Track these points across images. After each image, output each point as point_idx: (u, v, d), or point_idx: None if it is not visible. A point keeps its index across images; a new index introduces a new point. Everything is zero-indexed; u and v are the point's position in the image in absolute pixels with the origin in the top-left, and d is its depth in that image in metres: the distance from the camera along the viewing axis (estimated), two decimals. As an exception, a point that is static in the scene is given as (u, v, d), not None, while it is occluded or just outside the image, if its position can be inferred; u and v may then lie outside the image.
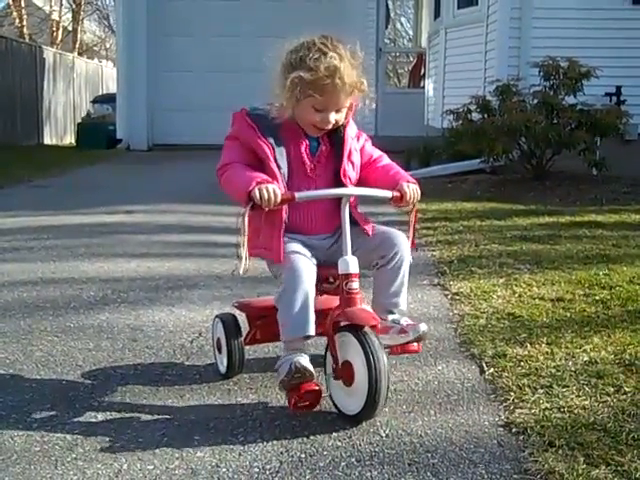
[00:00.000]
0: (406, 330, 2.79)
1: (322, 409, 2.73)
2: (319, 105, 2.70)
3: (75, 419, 2.65)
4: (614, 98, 9.13)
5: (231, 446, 2.47)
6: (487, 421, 2.65)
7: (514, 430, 2.56)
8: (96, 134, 16.24)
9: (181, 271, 4.83)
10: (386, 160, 2.96)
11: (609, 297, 4.09)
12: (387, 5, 16.03)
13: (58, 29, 32.73)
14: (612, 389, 2.85)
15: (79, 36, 32.85)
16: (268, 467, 2.34)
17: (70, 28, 33.34)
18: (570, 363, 3.12)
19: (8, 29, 30.06)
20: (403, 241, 2.82)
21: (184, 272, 4.80)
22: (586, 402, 2.74)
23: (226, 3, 14.40)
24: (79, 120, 19.69)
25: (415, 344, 2.82)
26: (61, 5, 33.68)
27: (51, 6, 33.83)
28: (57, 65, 20.60)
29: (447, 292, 4.32)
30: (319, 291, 2.79)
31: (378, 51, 14.67)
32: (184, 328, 3.67)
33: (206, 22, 14.13)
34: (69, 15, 33.49)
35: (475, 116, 8.84)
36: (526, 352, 3.25)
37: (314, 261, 2.74)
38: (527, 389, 2.86)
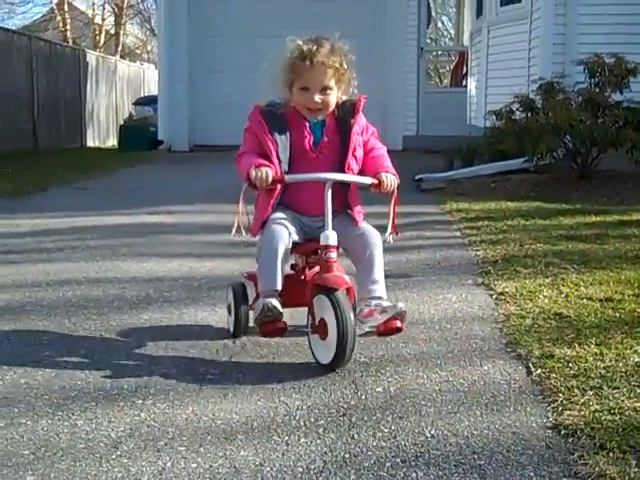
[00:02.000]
0: (386, 310, 3.10)
1: (365, 408, 2.71)
2: (302, 84, 3.15)
3: (119, 417, 2.65)
4: (663, 96, 8.94)
5: (275, 445, 2.45)
6: (535, 423, 2.59)
7: (563, 432, 2.50)
8: (138, 136, 16.38)
9: (223, 271, 4.83)
10: (380, 152, 3.32)
11: (659, 297, 4.00)
12: (428, 4, 15.95)
13: (101, 32, 33.18)
14: (664, 391, 2.78)
15: (121, 39, 33.28)
16: (312, 467, 2.31)
17: (112, 31, 33.75)
18: (620, 364, 3.05)
19: (52, 33, 30.52)
20: (376, 241, 3.22)
21: (226, 272, 4.79)
22: (637, 404, 2.66)
23: (267, 3, 14.41)
24: (121, 122, 19.89)
25: (398, 322, 3.11)
26: (104, 9, 34.14)
27: (94, 10, 34.28)
28: (100, 68, 20.83)
29: (492, 292, 4.25)
30: (307, 263, 3.32)
31: (419, 50, 14.60)
32: (227, 327, 3.65)
33: (247, 23, 14.16)
34: (111, 19, 33.92)
35: (518, 115, 8.73)
36: (574, 353, 3.18)
37: (292, 229, 3.18)
38: (576, 390, 2.79)
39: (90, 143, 19.72)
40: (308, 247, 3.24)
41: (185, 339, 3.50)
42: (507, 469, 2.28)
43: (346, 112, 3.25)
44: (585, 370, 2.99)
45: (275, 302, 3.09)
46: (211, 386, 2.94)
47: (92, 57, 20.61)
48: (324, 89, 3.16)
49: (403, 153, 13.79)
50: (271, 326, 3.13)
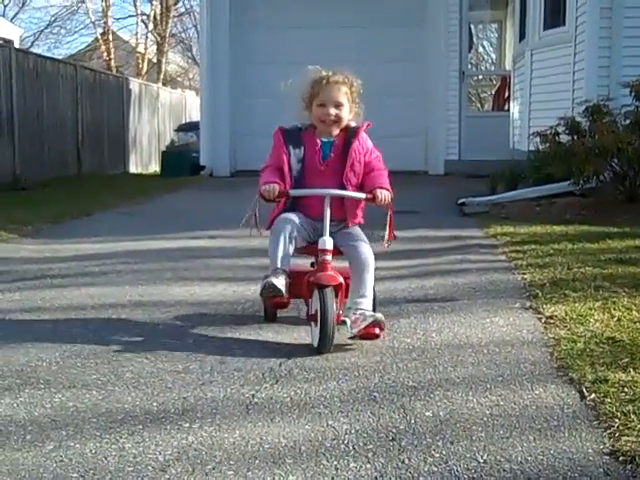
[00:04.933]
0: (366, 318, 3.61)
1: (415, 433, 2.66)
2: (320, 101, 3.84)
3: (166, 440, 2.64)
4: None
5: (323, 470, 2.42)
6: (591, 448, 2.53)
7: (621, 459, 2.44)
8: (180, 161, 16.52)
9: (267, 294, 4.79)
10: (379, 172, 3.90)
11: None
12: (470, 29, 15.93)
13: (144, 61, 33.65)
14: None
15: (163, 67, 33.69)
16: (363, 492, 2.27)
17: (155, 60, 34.22)
18: (678, 389, 2.96)
19: (97, 62, 31.04)
20: (367, 261, 3.73)
21: (270, 295, 4.76)
22: (698, 430, 2.58)
23: (309, 32, 14.47)
24: (163, 148, 20.07)
25: (376, 330, 3.64)
26: (146, 38, 34.65)
27: (137, 39, 34.80)
28: (142, 95, 21.10)
29: (540, 315, 4.18)
30: (316, 263, 3.81)
31: (461, 74, 14.55)
32: (273, 351, 3.63)
33: (287, 50, 14.20)
34: (154, 47, 34.39)
35: (564, 138, 8.63)
36: (629, 377, 3.10)
37: (297, 221, 3.79)
38: (633, 416, 2.72)
39: (132, 169, 19.91)
40: (314, 250, 3.79)
41: (231, 363, 3.48)
42: (564, 496, 2.23)
43: (350, 135, 3.90)
44: (641, 395, 2.91)
45: (275, 281, 3.66)
46: (258, 410, 2.91)
47: (135, 85, 20.86)
48: (337, 105, 3.83)
49: (445, 178, 13.75)
50: (273, 300, 3.89)
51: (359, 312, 3.65)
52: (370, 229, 4.00)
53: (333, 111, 3.82)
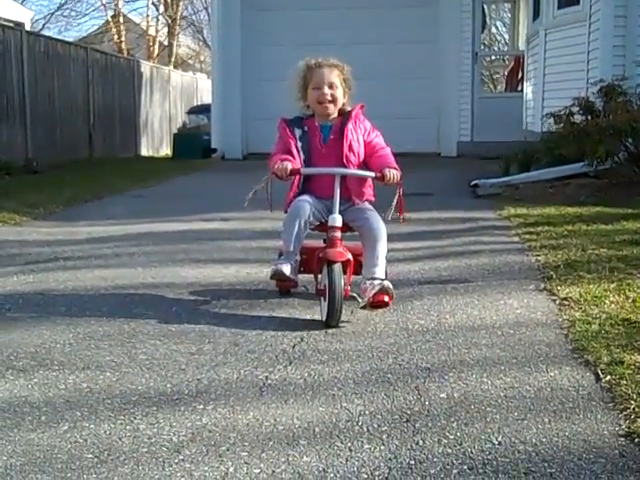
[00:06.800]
0: (375, 287, 3.73)
1: (429, 414, 2.66)
2: (314, 84, 4.01)
3: (180, 421, 2.64)
4: None
5: (338, 451, 2.42)
6: (606, 430, 2.52)
7: (637, 440, 2.43)
8: (191, 144, 16.49)
9: (280, 276, 4.79)
10: (384, 152, 4.04)
11: None
12: (483, 9, 15.79)
13: (155, 44, 33.58)
14: None
15: (174, 50, 33.61)
16: (377, 473, 2.28)
17: (166, 42, 34.14)
18: (694, 371, 2.94)
19: (108, 45, 30.97)
20: (379, 232, 3.86)
21: (283, 277, 4.75)
22: None
23: (321, 12, 14.38)
24: (175, 131, 20.04)
25: (385, 297, 3.73)
26: (157, 21, 34.57)
27: (148, 22, 34.72)
28: (154, 78, 21.04)
29: (555, 297, 4.16)
30: (327, 238, 3.91)
31: (474, 55, 14.45)
32: (285, 333, 3.63)
33: (301, 31, 14.13)
34: (165, 30, 34.30)
35: (577, 118, 8.56)
36: (645, 359, 3.08)
37: (313, 206, 3.92)
38: (649, 397, 2.70)
39: (144, 152, 19.88)
40: (325, 228, 3.93)
41: (244, 344, 3.48)
42: (579, 478, 2.22)
43: (346, 117, 4.05)
44: (657, 377, 2.89)
45: (284, 268, 3.88)
46: (271, 391, 2.91)
47: (146, 67, 20.80)
48: (331, 85, 3.99)
49: (458, 159, 13.69)
50: (281, 283, 4.20)
51: (368, 282, 3.77)
52: (384, 211, 4.00)
53: (328, 90, 3.98)
